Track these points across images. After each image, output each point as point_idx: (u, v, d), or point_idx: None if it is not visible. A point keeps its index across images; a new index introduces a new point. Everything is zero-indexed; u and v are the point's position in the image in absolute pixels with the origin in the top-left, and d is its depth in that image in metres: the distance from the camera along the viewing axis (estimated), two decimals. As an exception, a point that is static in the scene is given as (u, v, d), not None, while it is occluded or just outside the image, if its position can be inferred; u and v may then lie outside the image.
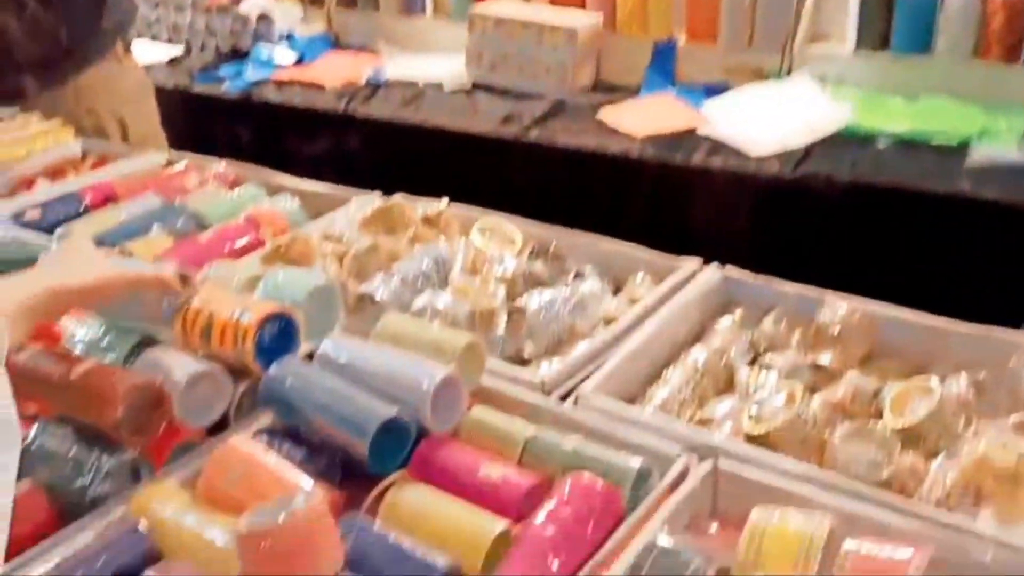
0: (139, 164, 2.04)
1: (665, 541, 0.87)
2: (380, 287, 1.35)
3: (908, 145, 2.12)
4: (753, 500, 0.96)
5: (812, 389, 1.21)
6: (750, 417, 1.14)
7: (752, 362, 1.29)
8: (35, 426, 1.07)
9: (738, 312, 1.37)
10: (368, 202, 1.65)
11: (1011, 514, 0.98)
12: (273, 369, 1.10)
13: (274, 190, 1.84)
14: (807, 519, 0.89)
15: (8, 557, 0.94)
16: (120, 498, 1.01)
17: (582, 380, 1.19)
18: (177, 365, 1.11)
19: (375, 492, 0.99)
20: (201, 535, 0.94)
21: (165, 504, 0.98)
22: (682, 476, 1.01)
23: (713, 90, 2.51)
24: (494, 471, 1.01)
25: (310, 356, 1.16)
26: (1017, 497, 0.99)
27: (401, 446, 1.05)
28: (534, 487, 0.99)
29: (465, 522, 0.95)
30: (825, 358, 1.26)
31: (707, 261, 1.45)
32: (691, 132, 2.31)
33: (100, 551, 0.92)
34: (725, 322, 1.36)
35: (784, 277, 1.40)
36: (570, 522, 0.93)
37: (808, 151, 2.11)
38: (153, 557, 0.94)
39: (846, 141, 2.15)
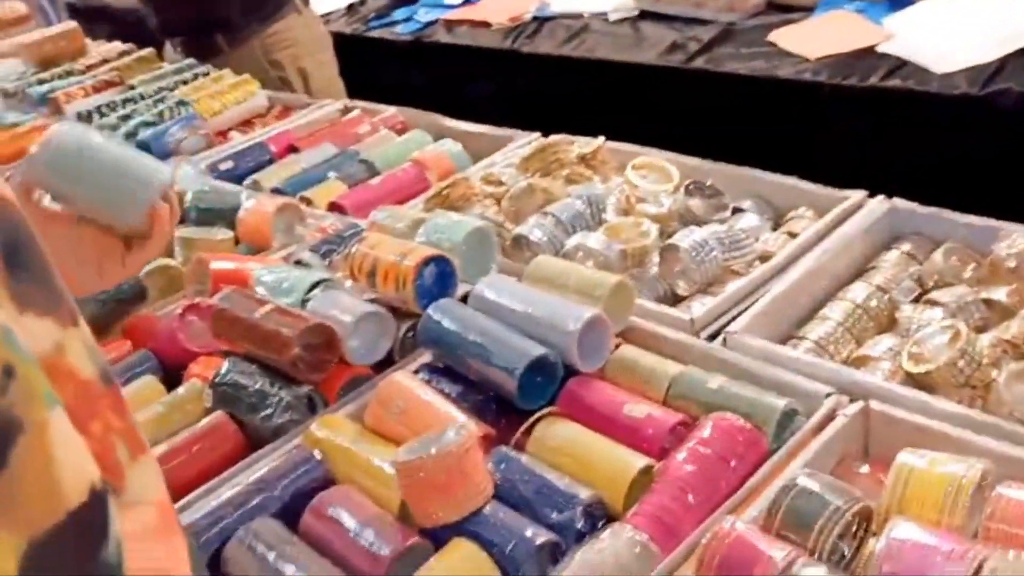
0: (318, 113, 2.17)
1: (805, 481, 0.87)
2: (535, 228, 1.39)
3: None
4: (907, 442, 0.94)
5: (982, 328, 1.15)
6: (910, 355, 1.11)
7: (917, 299, 1.25)
8: (226, 363, 1.20)
9: (905, 246, 1.32)
10: (527, 143, 1.68)
11: None
12: (431, 310, 1.17)
13: (440, 133, 1.92)
14: (958, 463, 0.87)
15: (203, 480, 1.07)
16: (299, 428, 1.12)
17: (733, 319, 1.19)
18: (346, 307, 1.20)
19: (523, 427, 1.05)
20: (367, 463, 1.03)
21: (336, 434, 1.08)
22: (829, 417, 1.00)
23: (899, 2, 2.35)
24: (638, 409, 1.04)
25: (466, 296, 1.23)
26: None
27: (550, 384, 1.10)
28: (677, 425, 1.02)
29: (608, 457, 0.99)
30: (999, 294, 1.19)
31: (876, 191, 1.40)
32: (870, 51, 2.17)
33: (280, 476, 1.02)
34: (890, 257, 1.31)
35: (959, 208, 1.33)
36: (711, 461, 0.95)
37: (1001, 65, 1.95)
38: (327, 482, 1.04)
39: (1047, 52, 1.97)
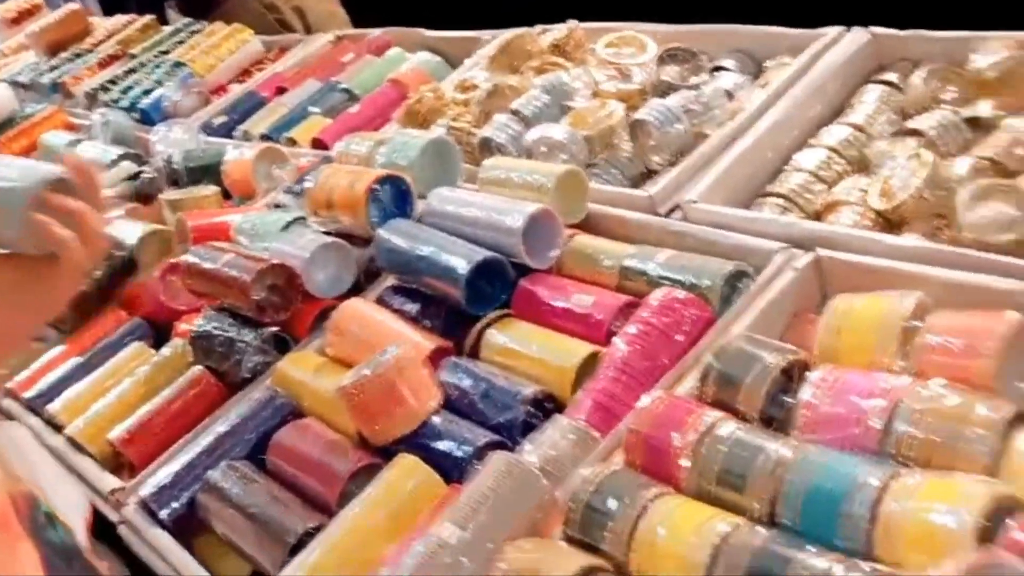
0: (309, 49, 2.22)
1: (733, 343, 0.88)
2: (497, 130, 1.41)
3: None
4: (865, 287, 0.94)
5: (967, 150, 1.12)
6: (881, 193, 1.09)
7: (898, 131, 1.21)
8: (200, 316, 1.28)
9: (890, 75, 1.28)
10: (493, 42, 1.69)
11: None
12: (380, 232, 1.21)
13: (425, 45, 1.94)
14: (890, 297, 0.86)
15: (185, 431, 1.16)
16: (272, 369, 1.19)
17: (693, 189, 1.18)
18: (303, 243, 1.26)
19: (472, 334, 1.09)
20: (325, 393, 1.09)
21: (301, 370, 1.15)
22: (778, 272, 1.00)
23: None
24: (585, 299, 1.06)
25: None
26: None
27: (505, 287, 1.13)
28: (625, 307, 1.04)
29: (554, 350, 1.02)
30: (982, 109, 1.14)
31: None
32: None
33: (247, 419, 1.10)
34: (869, 91, 1.27)
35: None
36: (651, 337, 0.97)
37: None
38: (295, 417, 1.11)
39: None
